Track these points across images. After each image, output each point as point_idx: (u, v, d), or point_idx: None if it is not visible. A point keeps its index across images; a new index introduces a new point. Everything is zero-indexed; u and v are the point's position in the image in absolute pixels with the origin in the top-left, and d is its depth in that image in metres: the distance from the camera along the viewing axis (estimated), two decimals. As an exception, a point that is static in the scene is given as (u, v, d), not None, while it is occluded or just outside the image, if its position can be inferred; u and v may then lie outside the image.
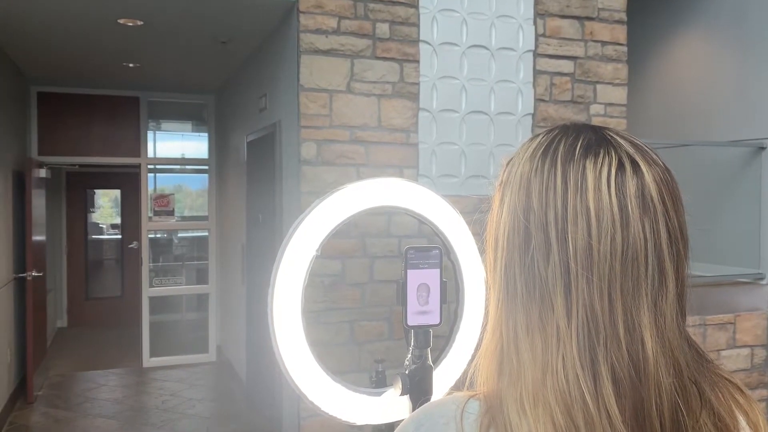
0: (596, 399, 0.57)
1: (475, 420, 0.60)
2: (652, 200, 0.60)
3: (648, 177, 0.61)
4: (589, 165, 0.61)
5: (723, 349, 3.97)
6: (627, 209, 0.60)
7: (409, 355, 1.15)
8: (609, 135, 0.64)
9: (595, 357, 0.58)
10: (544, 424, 0.57)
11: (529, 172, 0.64)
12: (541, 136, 0.67)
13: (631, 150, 0.63)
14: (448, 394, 1.25)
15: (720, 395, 0.63)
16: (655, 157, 0.64)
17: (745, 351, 4.03)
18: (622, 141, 0.64)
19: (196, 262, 7.21)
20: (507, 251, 0.64)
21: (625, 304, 0.59)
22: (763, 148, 4.15)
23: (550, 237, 0.61)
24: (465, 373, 1.32)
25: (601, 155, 0.62)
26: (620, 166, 0.61)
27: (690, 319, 4.13)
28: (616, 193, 0.60)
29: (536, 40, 3.65)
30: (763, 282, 4.13)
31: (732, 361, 3.96)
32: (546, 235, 0.61)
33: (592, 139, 0.64)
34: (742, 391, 0.65)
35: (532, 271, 0.61)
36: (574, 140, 0.64)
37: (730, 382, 0.65)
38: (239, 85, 5.25)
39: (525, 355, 0.60)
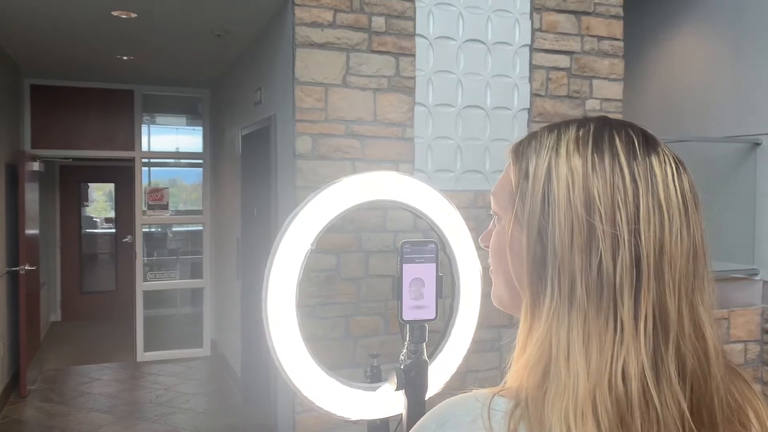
0: (661, 398, 0.57)
1: (502, 417, 0.59)
2: (697, 197, 0.63)
3: (690, 176, 0.64)
4: (656, 162, 0.62)
5: (717, 345, 3.98)
6: (688, 206, 0.62)
7: (405, 350, 1.15)
8: (653, 135, 0.66)
9: (660, 356, 0.58)
10: None
11: (584, 167, 0.61)
12: (574, 129, 0.65)
13: (671, 151, 0.65)
14: (443, 390, 1.25)
15: (736, 386, 0.65)
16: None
17: (739, 346, 4.05)
18: (658, 139, 0.66)
19: (190, 257, 7.20)
20: (563, 254, 0.60)
21: (689, 299, 0.60)
22: (758, 144, 4.15)
23: (620, 237, 0.59)
24: (461, 368, 1.31)
25: (661, 154, 0.63)
26: (676, 165, 0.63)
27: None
28: (680, 191, 0.61)
29: (532, 34, 3.64)
30: (757, 278, 4.14)
31: (726, 356, 3.97)
32: (615, 235, 0.59)
33: (644, 138, 0.64)
34: (749, 384, 0.66)
35: (599, 274, 0.59)
36: (627, 136, 0.63)
37: (739, 374, 0.66)
38: (234, 78, 5.23)
39: (579, 362, 0.58)
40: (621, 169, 0.61)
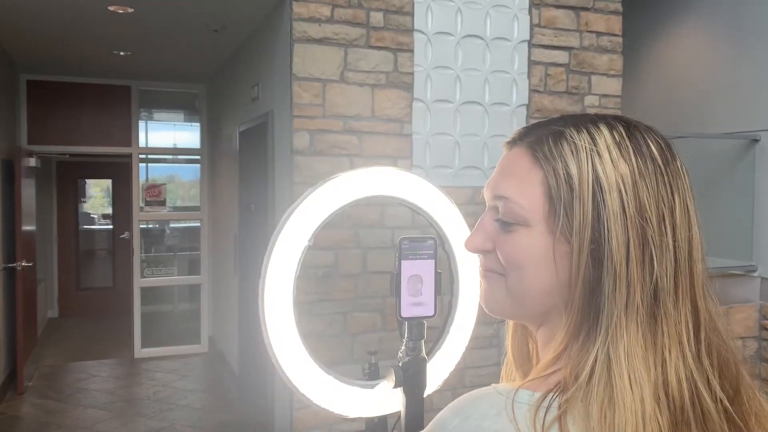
0: (710, 395, 0.59)
1: (527, 410, 0.58)
2: (690, 199, 0.66)
3: (683, 172, 0.67)
4: (681, 168, 0.64)
5: (715, 341, 3.98)
6: (696, 211, 0.64)
7: (403, 347, 1.14)
8: (640, 134, 0.67)
9: (701, 356, 0.61)
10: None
11: (631, 174, 0.60)
12: (608, 130, 0.63)
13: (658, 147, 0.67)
14: (442, 387, 1.24)
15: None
16: None
17: (737, 343, 4.04)
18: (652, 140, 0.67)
19: (188, 253, 7.18)
20: (621, 266, 0.59)
21: (708, 297, 0.63)
22: (756, 141, 4.15)
23: (667, 243, 0.60)
24: (459, 365, 1.30)
25: (678, 159, 0.64)
26: (673, 159, 0.64)
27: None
28: (694, 194, 0.64)
29: (531, 30, 3.62)
30: (755, 274, 4.14)
31: (723, 352, 3.98)
32: (664, 242, 0.60)
33: (663, 139, 0.66)
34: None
35: (653, 283, 0.60)
36: (653, 140, 0.64)
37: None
38: (231, 74, 5.21)
39: (642, 375, 0.58)
40: (662, 175, 0.62)
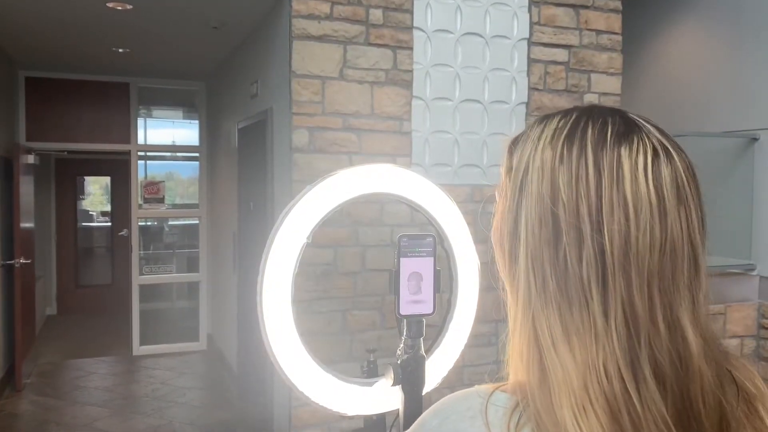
0: (641, 399, 0.55)
1: (503, 413, 0.58)
2: (685, 188, 0.59)
3: (679, 164, 0.60)
4: (625, 153, 0.58)
5: (713, 340, 3.99)
6: (664, 198, 0.58)
7: (402, 345, 1.13)
8: (636, 120, 0.62)
9: (637, 355, 0.56)
10: (596, 429, 0.55)
11: (552, 159, 0.60)
12: (557, 120, 0.63)
13: (659, 136, 0.61)
14: (441, 385, 1.24)
15: (743, 378, 0.63)
16: (678, 143, 0.62)
17: (735, 341, 4.05)
18: (650, 126, 0.62)
19: (186, 250, 7.18)
20: (532, 245, 0.60)
21: (664, 298, 0.57)
22: (755, 139, 4.15)
23: (583, 230, 0.57)
24: (458, 363, 1.30)
25: (636, 142, 0.59)
26: (655, 153, 0.59)
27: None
28: (653, 183, 0.58)
29: (531, 28, 3.62)
30: (754, 273, 4.14)
31: (722, 351, 3.98)
32: (579, 228, 0.58)
33: (622, 125, 0.61)
34: (743, 365, 0.65)
35: (564, 268, 0.58)
36: (602, 125, 0.61)
37: (738, 361, 0.65)
38: (230, 71, 5.20)
39: (566, 357, 0.57)
40: (586, 161, 0.59)
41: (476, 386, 0.62)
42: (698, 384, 0.56)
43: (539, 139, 0.63)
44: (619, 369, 0.55)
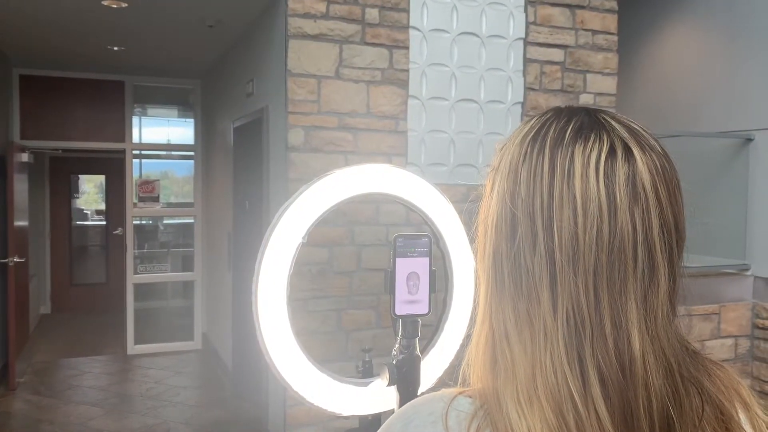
0: (585, 398, 0.54)
1: (464, 418, 0.58)
2: (644, 189, 0.57)
3: (641, 164, 0.57)
4: (578, 150, 0.58)
5: (707, 340, 4.00)
6: (615, 198, 0.56)
7: (397, 345, 1.13)
8: (603, 118, 0.61)
9: (582, 354, 0.55)
10: (540, 423, 0.54)
11: (518, 157, 0.61)
12: (533, 120, 0.64)
13: (625, 134, 0.59)
14: (436, 385, 1.24)
15: (719, 386, 0.61)
16: (653, 142, 0.60)
17: (729, 341, 4.06)
18: (617, 125, 0.60)
19: (181, 249, 7.16)
20: (495, 240, 0.61)
21: (611, 298, 0.56)
22: (750, 140, 4.16)
23: (536, 226, 0.58)
24: (453, 363, 1.30)
25: (592, 140, 0.58)
26: (611, 151, 0.58)
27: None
28: (604, 180, 0.56)
29: (527, 28, 3.62)
30: (748, 273, 4.16)
31: (716, 351, 3.99)
32: (532, 224, 0.58)
33: (585, 123, 0.60)
34: (729, 373, 0.63)
35: (518, 262, 0.59)
36: (565, 124, 0.60)
37: (718, 366, 0.63)
38: (226, 69, 5.19)
39: (516, 349, 0.57)
40: (543, 158, 0.59)
41: (443, 390, 0.62)
42: (642, 390, 0.54)
43: (513, 139, 0.64)
44: (563, 367, 0.55)
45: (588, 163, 0.57)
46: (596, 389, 0.54)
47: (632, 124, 0.61)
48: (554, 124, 0.61)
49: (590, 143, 0.58)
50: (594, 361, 0.55)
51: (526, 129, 0.63)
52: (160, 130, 7.00)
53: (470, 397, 0.60)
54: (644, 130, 0.61)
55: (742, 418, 0.60)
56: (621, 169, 0.57)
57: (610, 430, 0.53)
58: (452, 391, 0.61)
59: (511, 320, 0.58)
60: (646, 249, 0.56)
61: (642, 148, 0.58)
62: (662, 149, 0.60)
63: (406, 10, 3.36)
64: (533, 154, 0.60)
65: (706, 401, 0.58)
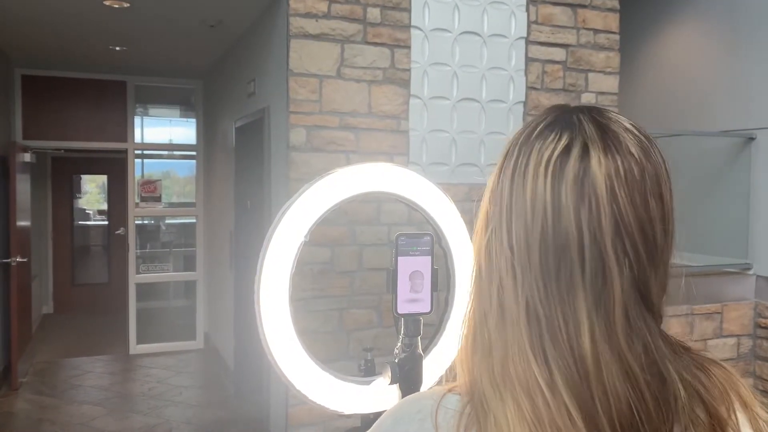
0: (552, 390, 0.55)
1: (452, 416, 0.58)
2: (595, 190, 0.56)
3: (596, 165, 0.56)
4: (536, 148, 0.59)
5: (710, 339, 4.00)
6: (560, 197, 0.56)
7: (399, 344, 1.13)
8: (578, 117, 0.60)
9: (544, 345, 0.56)
10: (515, 410, 0.55)
11: (502, 154, 0.63)
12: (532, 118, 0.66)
13: (593, 135, 0.58)
14: (438, 383, 1.24)
15: (716, 385, 0.60)
16: (631, 146, 0.58)
17: (732, 340, 4.06)
18: (589, 125, 0.59)
19: (183, 249, 7.17)
20: (478, 232, 0.63)
21: (561, 296, 0.56)
22: (752, 139, 4.16)
23: (501, 222, 0.59)
24: (455, 362, 1.30)
25: (550, 138, 0.59)
26: (565, 150, 0.57)
27: (677, 309, 4.11)
28: (552, 179, 0.57)
29: (528, 27, 3.62)
30: (750, 272, 4.15)
31: (718, 350, 3.99)
32: (499, 220, 0.60)
33: (553, 120, 0.61)
34: (729, 371, 0.62)
35: (490, 253, 0.61)
36: (539, 121, 0.62)
37: (716, 364, 0.62)
38: (227, 69, 5.19)
39: (492, 331, 0.59)
40: (512, 155, 0.61)
41: (432, 387, 0.64)
42: (598, 391, 0.54)
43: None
44: (529, 354, 0.56)
45: (540, 161, 0.58)
46: (561, 381, 0.55)
47: (611, 125, 0.60)
48: (534, 122, 0.62)
49: (548, 141, 0.59)
50: (554, 353, 0.55)
51: (522, 127, 0.65)
52: (162, 130, 7.01)
53: (459, 394, 0.60)
54: (628, 133, 0.59)
55: (741, 418, 0.59)
56: (571, 169, 0.57)
57: (579, 423, 0.53)
58: (442, 389, 0.62)
59: (488, 304, 0.60)
60: (595, 251, 0.56)
61: (607, 150, 0.57)
62: (640, 155, 0.58)
63: (408, 10, 3.36)
64: (511, 151, 0.62)
65: (691, 405, 0.57)
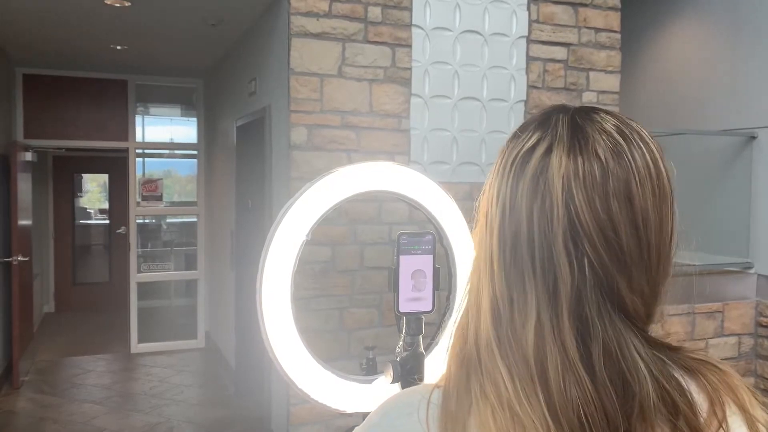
0: (513, 382, 0.57)
1: (434, 410, 0.59)
2: (550, 190, 0.57)
3: (555, 165, 0.57)
4: (510, 147, 0.62)
5: (711, 338, 3.99)
6: (517, 193, 0.58)
7: (401, 342, 1.14)
8: (557, 117, 0.61)
9: (504, 339, 0.59)
10: (483, 404, 0.57)
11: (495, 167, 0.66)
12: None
13: (563, 134, 0.59)
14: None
15: (701, 383, 0.59)
16: (597, 145, 0.58)
17: (733, 339, 4.06)
18: (563, 125, 0.60)
19: (184, 248, 7.17)
20: (474, 232, 0.67)
21: (516, 293, 0.58)
22: (754, 138, 4.15)
23: (479, 218, 0.63)
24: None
25: (523, 137, 0.61)
26: (531, 149, 0.59)
27: (679, 308, 4.11)
28: (513, 176, 0.59)
29: (529, 26, 3.62)
30: (751, 271, 4.15)
31: (719, 349, 3.99)
32: (479, 216, 0.63)
33: (534, 121, 0.62)
34: (725, 372, 0.61)
35: (475, 251, 0.64)
36: (526, 121, 0.64)
37: (709, 365, 0.61)
38: (229, 68, 5.19)
39: (471, 326, 0.61)
40: (498, 157, 0.63)
41: (422, 383, 0.66)
42: (544, 390, 0.55)
43: None
44: (494, 348, 0.58)
45: (508, 159, 0.60)
46: (515, 374, 0.56)
47: (587, 126, 0.60)
48: (523, 122, 0.65)
49: (520, 140, 0.61)
50: (511, 346, 0.57)
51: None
52: (163, 129, 7.01)
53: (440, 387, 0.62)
54: (604, 135, 0.59)
55: (735, 420, 0.59)
56: (531, 168, 0.58)
57: (548, 422, 0.54)
58: (431, 385, 0.63)
59: (471, 298, 0.63)
60: (546, 249, 0.57)
61: (570, 151, 0.58)
62: (607, 157, 0.58)
63: (409, 9, 3.36)
64: (501, 150, 0.64)
65: (663, 407, 0.56)
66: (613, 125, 0.60)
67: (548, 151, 0.58)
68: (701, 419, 0.57)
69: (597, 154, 0.58)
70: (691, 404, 0.57)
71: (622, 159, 0.58)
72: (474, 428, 0.56)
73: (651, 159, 0.60)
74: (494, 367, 0.57)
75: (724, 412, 0.58)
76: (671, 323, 3.83)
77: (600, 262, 0.57)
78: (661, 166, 0.60)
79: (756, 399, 0.62)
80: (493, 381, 0.56)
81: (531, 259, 0.57)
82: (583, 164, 0.57)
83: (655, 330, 0.63)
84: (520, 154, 0.60)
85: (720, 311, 4.03)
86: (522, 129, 0.62)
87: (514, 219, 0.58)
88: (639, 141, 0.60)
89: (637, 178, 0.58)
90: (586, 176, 0.57)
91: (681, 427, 0.56)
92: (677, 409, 0.56)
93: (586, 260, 0.56)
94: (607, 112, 0.62)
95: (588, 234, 0.56)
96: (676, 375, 0.58)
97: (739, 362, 4.05)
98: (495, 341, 0.58)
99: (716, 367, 0.61)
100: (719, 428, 0.57)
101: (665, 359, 0.59)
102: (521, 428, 0.54)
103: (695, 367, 0.60)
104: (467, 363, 0.59)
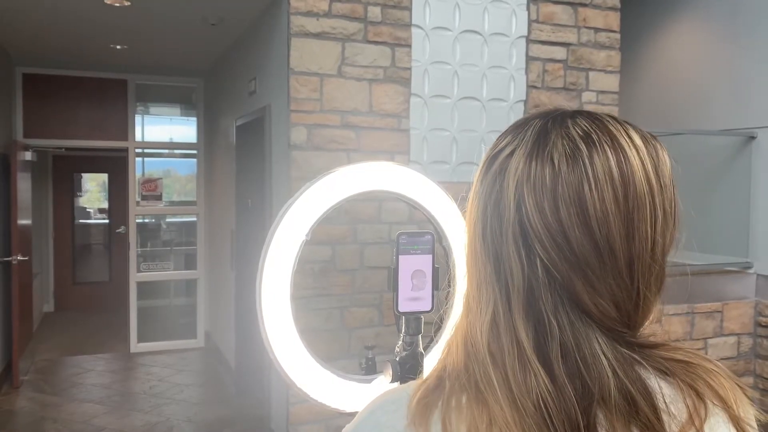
0: (488, 380, 0.59)
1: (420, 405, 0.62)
2: (504, 190, 0.60)
3: (513, 167, 0.59)
4: (489, 148, 0.65)
5: (710, 338, 4.00)
6: (481, 193, 0.62)
7: (400, 342, 1.14)
8: (534, 121, 0.63)
9: (476, 333, 0.61)
10: (465, 401, 0.59)
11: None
12: None
13: (528, 139, 0.60)
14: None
15: (673, 382, 0.59)
16: (554, 151, 0.58)
17: (732, 339, 4.06)
18: (532, 129, 0.61)
19: (184, 247, 7.17)
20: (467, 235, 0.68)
21: (477, 289, 0.62)
22: (753, 138, 4.16)
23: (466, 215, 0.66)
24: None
25: (498, 140, 0.64)
26: (498, 152, 0.62)
27: (678, 308, 4.11)
28: (481, 176, 0.63)
29: (529, 25, 3.62)
30: (751, 271, 4.15)
31: (719, 349, 3.99)
32: (473, 232, 0.65)
33: (515, 124, 0.64)
34: (707, 368, 0.60)
35: (472, 241, 0.66)
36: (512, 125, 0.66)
37: (688, 363, 0.60)
38: (228, 68, 5.19)
39: (460, 322, 0.64)
40: (489, 177, 0.64)
41: (410, 382, 0.66)
42: (499, 376, 0.57)
43: None
44: (484, 337, 0.59)
45: (483, 160, 0.64)
46: (475, 368, 0.59)
47: (552, 132, 0.61)
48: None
49: (495, 143, 0.64)
50: (475, 340, 0.60)
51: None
52: (163, 128, 7.01)
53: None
54: (566, 140, 0.59)
55: (718, 420, 0.58)
56: (493, 169, 0.62)
57: (503, 404, 0.57)
58: (419, 381, 0.64)
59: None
60: (498, 247, 0.60)
61: (528, 156, 0.59)
62: (561, 163, 0.58)
63: (409, 8, 3.36)
64: (482, 171, 0.66)
65: (625, 406, 0.56)
66: (582, 130, 0.60)
67: (510, 154, 0.61)
68: (665, 421, 0.57)
69: (552, 159, 0.58)
70: (654, 406, 0.56)
71: (577, 165, 0.58)
72: (453, 416, 0.58)
73: (618, 165, 0.58)
74: (467, 359, 0.60)
75: (702, 417, 0.57)
76: (671, 323, 3.84)
77: (553, 264, 0.58)
78: (639, 173, 0.58)
79: (746, 395, 0.61)
80: (467, 371, 0.59)
81: (487, 256, 0.60)
82: (536, 168, 0.58)
83: (656, 330, 0.63)
84: (489, 156, 0.63)
85: (719, 311, 4.03)
86: (503, 133, 0.65)
87: (479, 217, 0.62)
88: (609, 147, 0.58)
89: (592, 184, 0.57)
90: (537, 180, 0.58)
91: (640, 428, 0.56)
92: (638, 409, 0.56)
93: (538, 261, 0.58)
94: (590, 117, 0.62)
95: (538, 236, 0.58)
96: (644, 376, 0.58)
97: (739, 362, 4.05)
98: (468, 335, 0.61)
99: (702, 366, 0.60)
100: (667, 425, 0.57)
101: (639, 360, 0.58)
102: (488, 416, 0.56)
103: (672, 369, 0.59)
104: (446, 355, 0.62)
